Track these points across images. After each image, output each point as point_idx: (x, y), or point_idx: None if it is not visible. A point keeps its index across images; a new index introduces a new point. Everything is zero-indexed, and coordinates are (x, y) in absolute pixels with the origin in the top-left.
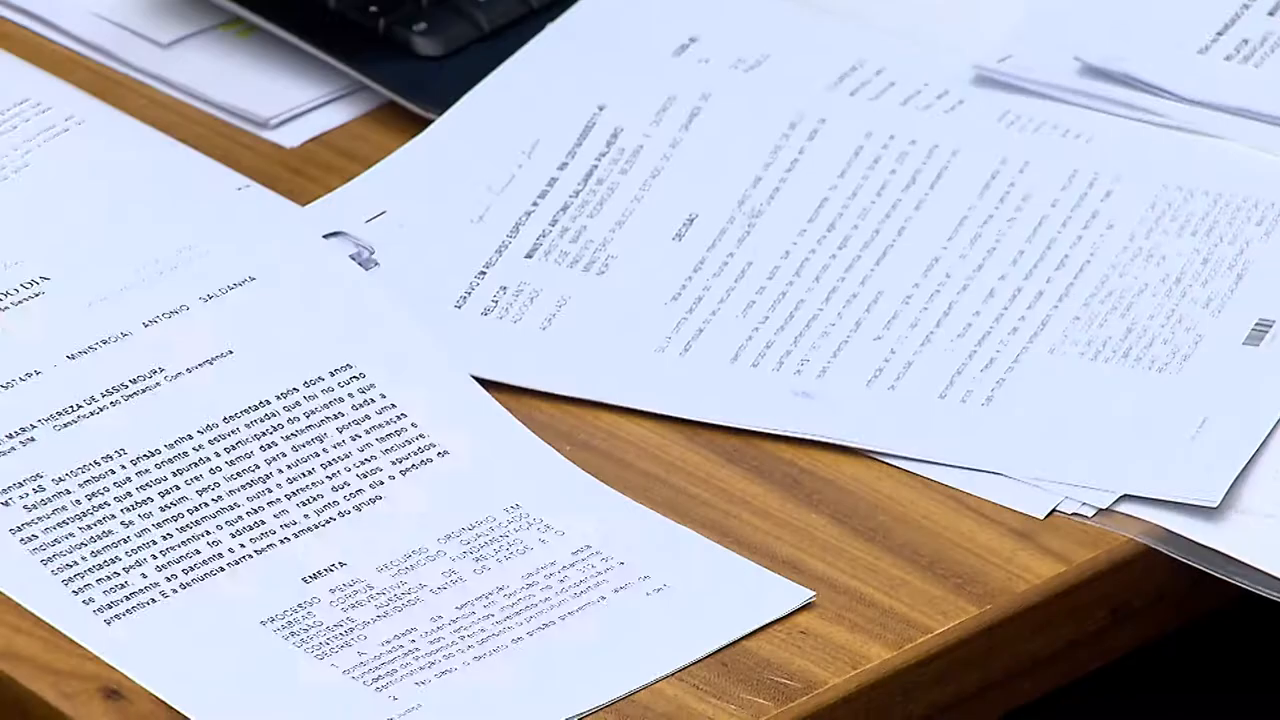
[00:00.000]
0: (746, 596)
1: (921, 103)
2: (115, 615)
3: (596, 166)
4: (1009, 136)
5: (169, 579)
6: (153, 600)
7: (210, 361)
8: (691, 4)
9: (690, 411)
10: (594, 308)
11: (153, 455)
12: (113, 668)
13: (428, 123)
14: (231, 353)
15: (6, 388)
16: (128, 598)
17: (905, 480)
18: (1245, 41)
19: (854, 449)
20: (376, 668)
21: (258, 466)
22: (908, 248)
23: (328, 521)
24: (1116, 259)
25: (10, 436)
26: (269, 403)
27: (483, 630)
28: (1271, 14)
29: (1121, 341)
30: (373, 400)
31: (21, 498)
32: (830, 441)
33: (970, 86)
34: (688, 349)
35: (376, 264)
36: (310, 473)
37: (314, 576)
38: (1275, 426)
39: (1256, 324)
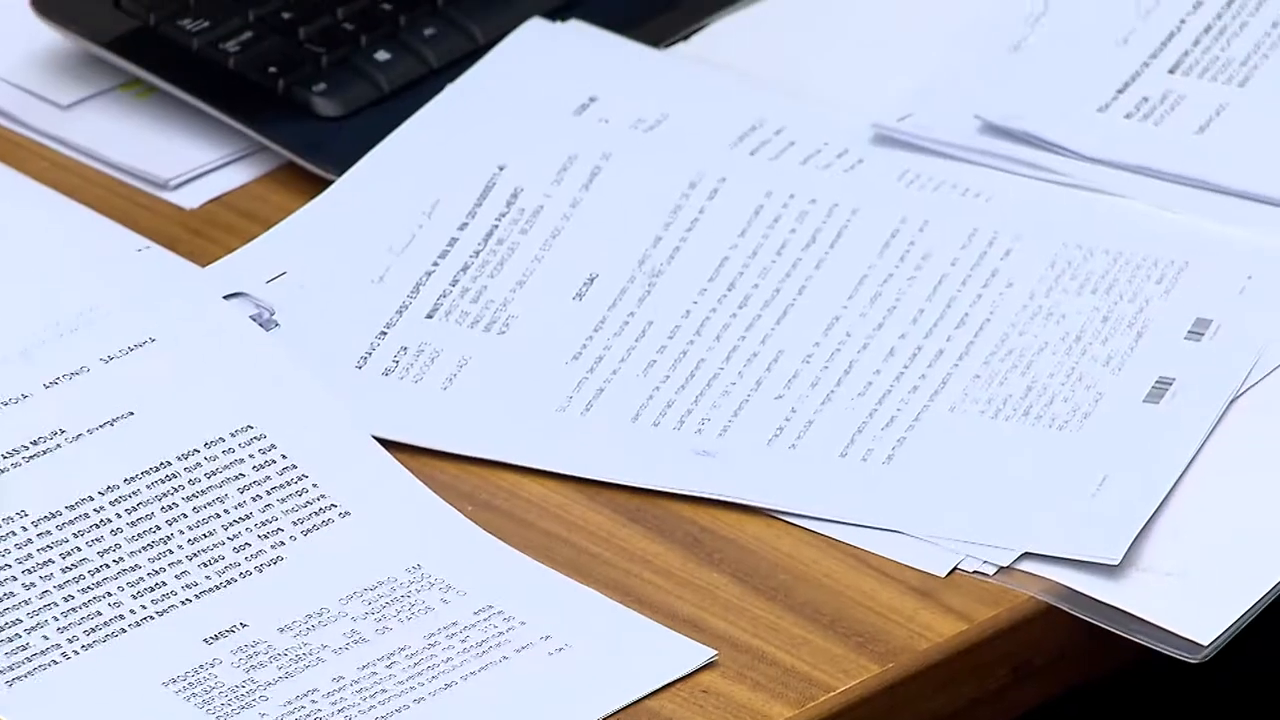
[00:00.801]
0: (648, 656)
1: (821, 162)
2: (16, 677)
3: (497, 226)
4: (909, 195)
5: (70, 640)
6: (54, 662)
7: (111, 423)
8: (591, 64)
9: (591, 471)
10: (495, 368)
11: (53, 517)
12: None
13: (328, 183)
14: (132, 414)
15: None
16: (29, 659)
17: (806, 539)
18: (1145, 99)
19: (755, 508)
20: None
21: (159, 527)
22: (808, 307)
23: (229, 582)
24: (1016, 317)
25: None
26: (170, 464)
27: (385, 691)
28: (1171, 72)
29: (1022, 400)
30: (274, 461)
31: None
32: (731, 500)
33: (870, 145)
34: (589, 408)
35: (277, 324)
36: (211, 534)
37: (215, 637)
38: (1175, 484)
39: (1156, 382)
